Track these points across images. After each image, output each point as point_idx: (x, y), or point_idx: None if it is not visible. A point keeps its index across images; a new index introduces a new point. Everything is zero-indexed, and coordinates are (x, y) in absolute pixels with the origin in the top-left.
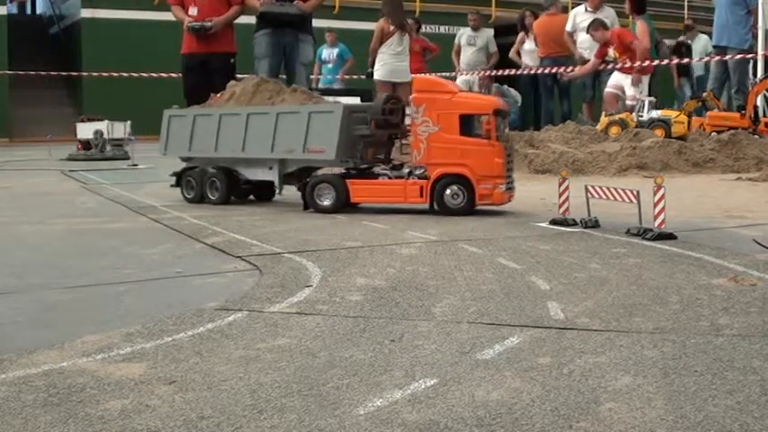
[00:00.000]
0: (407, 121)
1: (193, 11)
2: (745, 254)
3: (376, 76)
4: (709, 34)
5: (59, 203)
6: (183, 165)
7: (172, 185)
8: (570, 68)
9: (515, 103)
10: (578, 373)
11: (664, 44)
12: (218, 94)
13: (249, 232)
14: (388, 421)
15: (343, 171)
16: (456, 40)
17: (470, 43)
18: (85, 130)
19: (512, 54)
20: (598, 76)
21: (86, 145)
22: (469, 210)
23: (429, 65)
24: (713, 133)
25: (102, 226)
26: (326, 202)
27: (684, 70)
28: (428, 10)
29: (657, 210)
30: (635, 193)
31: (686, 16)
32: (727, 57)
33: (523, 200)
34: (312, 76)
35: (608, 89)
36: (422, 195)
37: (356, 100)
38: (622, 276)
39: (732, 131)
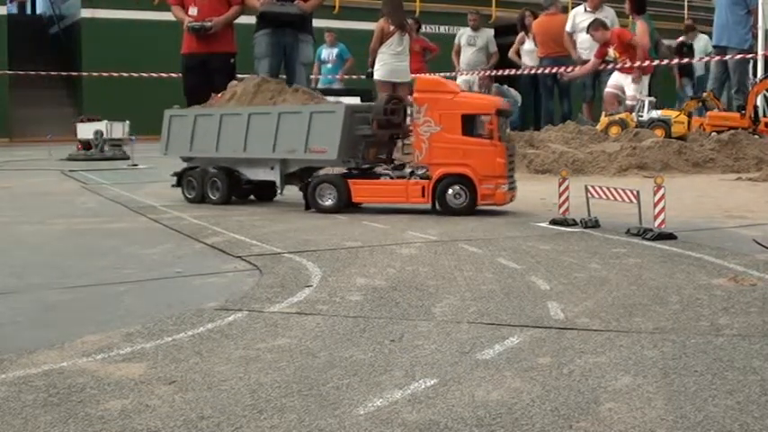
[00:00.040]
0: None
1: (193, 11)
2: (745, 254)
3: (376, 76)
4: (709, 34)
5: (59, 203)
6: (184, 165)
7: (173, 185)
8: (570, 68)
9: (515, 103)
10: (578, 373)
11: (663, 44)
12: (219, 94)
13: (249, 232)
14: (388, 421)
15: (345, 171)
16: (456, 40)
17: (470, 43)
18: (86, 131)
19: (511, 54)
20: (598, 76)
21: (86, 145)
22: (471, 210)
23: (429, 65)
24: (713, 133)
25: (102, 226)
26: (328, 203)
27: (686, 70)
28: (428, 10)
29: (657, 210)
30: (635, 193)
31: (686, 16)
32: (727, 57)
33: (523, 200)
34: (311, 77)
35: (608, 89)
36: (424, 195)
37: (356, 100)
38: (622, 276)
39: (732, 131)
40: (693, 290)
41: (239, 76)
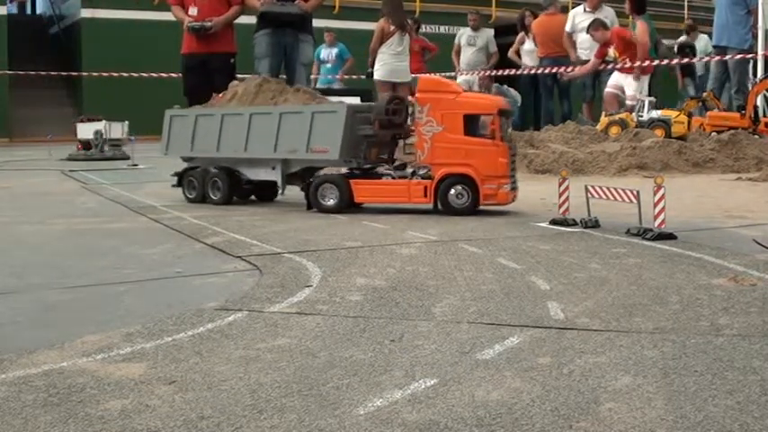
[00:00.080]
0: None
1: (193, 11)
2: (745, 254)
3: (376, 76)
4: (709, 34)
5: (59, 203)
6: (184, 165)
7: (173, 185)
8: (570, 68)
9: (515, 103)
10: (578, 373)
11: (663, 45)
12: (221, 94)
13: (249, 232)
14: (388, 421)
15: (347, 171)
16: (456, 40)
17: (470, 43)
18: (86, 131)
19: (510, 54)
20: (598, 76)
21: (86, 145)
22: (473, 210)
23: (428, 65)
24: (713, 133)
25: (102, 226)
26: (330, 203)
27: (688, 70)
28: (428, 10)
29: (657, 210)
30: (635, 193)
31: (686, 16)
32: (727, 57)
33: (523, 200)
34: (311, 76)
35: (608, 89)
36: (426, 195)
37: (356, 100)
38: (622, 276)
39: (732, 131)
40: (693, 290)
41: (239, 76)
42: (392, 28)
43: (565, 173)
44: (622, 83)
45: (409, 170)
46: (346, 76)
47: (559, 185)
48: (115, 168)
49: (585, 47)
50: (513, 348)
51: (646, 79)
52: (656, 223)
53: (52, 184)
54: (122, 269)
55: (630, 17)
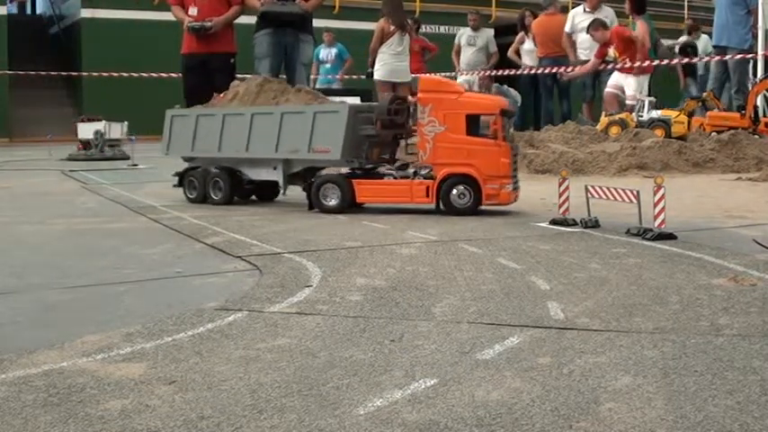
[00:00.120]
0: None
1: (193, 11)
2: (745, 254)
3: (376, 76)
4: (709, 34)
5: (59, 203)
6: (185, 165)
7: (174, 185)
8: (570, 68)
9: (515, 103)
10: (578, 373)
11: (662, 45)
12: (222, 94)
13: (249, 232)
14: (388, 421)
15: (349, 171)
16: (456, 40)
17: (470, 43)
18: (86, 131)
19: (510, 53)
20: (598, 76)
21: (86, 145)
22: (476, 210)
23: (428, 65)
24: (713, 133)
25: (102, 226)
26: (332, 203)
27: (690, 70)
28: (428, 10)
29: (657, 210)
30: (635, 193)
31: (686, 16)
32: (727, 57)
33: (523, 200)
34: (311, 77)
35: (608, 89)
36: (428, 195)
37: (356, 100)
38: (622, 276)
39: (732, 131)
40: (693, 290)
41: (239, 76)
42: (392, 28)
43: (565, 173)
44: (622, 83)
45: (411, 170)
46: (346, 77)
47: (559, 185)
48: (115, 168)
49: (585, 47)
50: (513, 348)
51: (646, 79)
52: (656, 223)
53: (52, 184)
54: (122, 269)
55: (630, 17)
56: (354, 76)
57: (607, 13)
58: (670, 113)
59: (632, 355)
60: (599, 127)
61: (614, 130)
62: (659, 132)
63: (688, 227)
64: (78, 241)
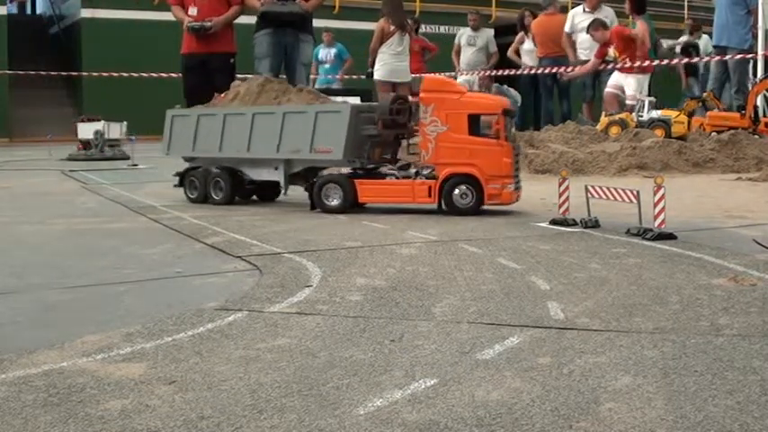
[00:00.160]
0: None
1: (193, 11)
2: (745, 254)
3: (376, 76)
4: (710, 34)
5: (59, 203)
6: (185, 165)
7: (175, 186)
8: (570, 68)
9: (515, 103)
10: (578, 373)
11: (662, 45)
12: (223, 94)
13: (249, 232)
14: (388, 421)
15: (350, 171)
16: (456, 40)
17: (470, 43)
18: (86, 131)
19: (510, 53)
20: (598, 76)
21: (86, 145)
22: (478, 210)
23: (428, 65)
24: (713, 133)
25: (102, 226)
26: (334, 203)
27: (692, 70)
28: (428, 10)
29: (657, 210)
30: (635, 193)
31: (686, 16)
32: (727, 57)
33: (523, 200)
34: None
35: (608, 89)
36: (430, 195)
37: (356, 100)
38: (622, 276)
39: (732, 131)
40: (693, 290)
41: (239, 76)
42: (392, 28)
43: (565, 173)
44: (622, 83)
45: (413, 170)
46: (346, 77)
47: (559, 185)
48: (115, 168)
49: (585, 47)
50: (513, 348)
51: (646, 79)
52: (656, 223)
53: (52, 184)
54: (122, 269)
55: (630, 17)
56: (354, 77)
57: (607, 13)
58: (670, 113)
59: (632, 355)
60: (599, 127)
61: (614, 130)
62: (659, 132)
63: (688, 227)
64: (78, 241)
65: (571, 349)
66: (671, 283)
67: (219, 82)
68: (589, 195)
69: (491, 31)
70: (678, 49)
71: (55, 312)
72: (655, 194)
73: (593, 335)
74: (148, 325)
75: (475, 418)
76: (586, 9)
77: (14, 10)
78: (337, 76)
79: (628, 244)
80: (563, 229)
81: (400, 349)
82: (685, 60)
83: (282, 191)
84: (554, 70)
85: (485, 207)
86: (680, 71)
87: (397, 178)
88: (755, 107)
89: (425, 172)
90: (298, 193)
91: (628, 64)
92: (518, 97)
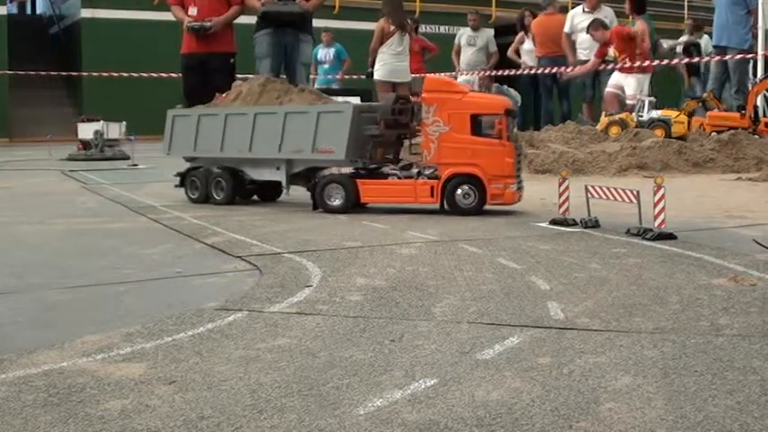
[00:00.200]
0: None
1: (193, 11)
2: (745, 254)
3: (376, 76)
4: (710, 34)
5: (59, 203)
6: (186, 164)
7: (176, 186)
8: (570, 68)
9: (515, 104)
10: (578, 373)
11: (661, 45)
12: (224, 94)
13: (249, 232)
14: (388, 421)
15: (352, 171)
16: (456, 40)
17: (470, 43)
18: (86, 131)
19: (510, 53)
20: (598, 76)
21: (86, 145)
22: (480, 210)
23: (428, 65)
24: (713, 133)
25: (102, 226)
26: (336, 203)
27: (695, 70)
28: (428, 10)
29: (657, 210)
30: (635, 193)
31: (686, 16)
32: (727, 57)
33: (524, 200)
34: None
35: (608, 89)
36: (432, 195)
37: (356, 100)
38: (622, 276)
39: (732, 131)
40: (693, 290)
41: (239, 76)
42: (392, 28)
43: (565, 173)
44: (622, 82)
45: (415, 170)
46: (346, 77)
47: (559, 185)
48: (115, 168)
49: (585, 47)
50: (513, 348)
51: (646, 79)
52: (656, 223)
53: (52, 184)
54: (122, 269)
55: (630, 17)
56: (355, 76)
57: (606, 13)
58: (670, 113)
59: (632, 355)
60: (599, 127)
61: (614, 130)
62: (659, 132)
63: (688, 227)
64: (78, 241)
65: (571, 349)
66: (671, 283)
67: (219, 82)
68: (589, 195)
69: (491, 31)
70: (680, 49)
71: (55, 312)
72: (655, 194)
73: (593, 335)
74: (148, 325)
75: (475, 418)
76: (586, 9)
77: (14, 10)
78: (337, 77)
79: (628, 244)
80: (563, 229)
81: (400, 349)
82: (686, 60)
83: (284, 191)
84: (554, 70)
85: (486, 207)
86: (682, 71)
87: (400, 178)
88: (755, 107)
89: (428, 172)
90: (298, 193)
91: (628, 64)
92: (518, 97)
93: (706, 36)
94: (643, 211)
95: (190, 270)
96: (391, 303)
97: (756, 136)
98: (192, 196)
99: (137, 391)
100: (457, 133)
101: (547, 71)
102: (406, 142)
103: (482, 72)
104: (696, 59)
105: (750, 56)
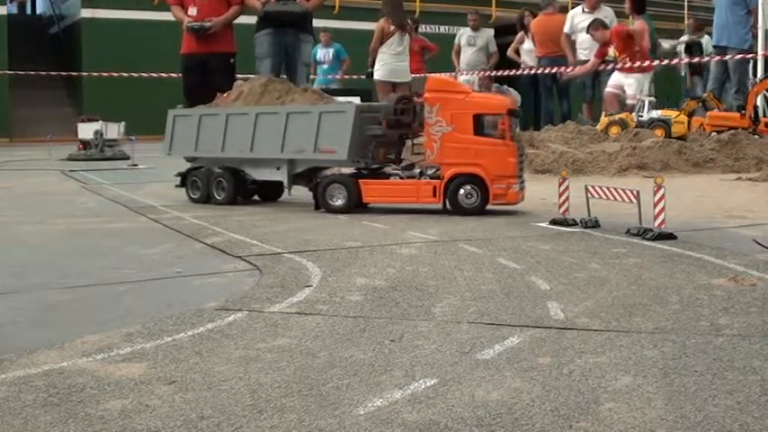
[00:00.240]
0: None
1: (193, 11)
2: (745, 254)
3: (376, 76)
4: (710, 34)
5: (59, 203)
6: (186, 165)
7: (177, 186)
8: (570, 68)
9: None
10: (578, 373)
11: (661, 45)
12: (225, 94)
13: (249, 232)
14: (388, 421)
15: (354, 171)
16: (456, 40)
17: (470, 43)
18: (86, 131)
19: (510, 53)
20: (598, 76)
21: (87, 145)
22: (483, 209)
23: (428, 65)
24: (713, 133)
25: (102, 226)
26: (338, 203)
27: (697, 69)
28: (428, 10)
29: (657, 210)
30: (635, 193)
31: (686, 16)
32: (727, 57)
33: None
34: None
35: (608, 89)
36: (435, 195)
37: (356, 100)
38: (622, 276)
39: (732, 131)
40: (693, 290)
41: (239, 76)
42: (392, 28)
43: (565, 173)
44: (623, 82)
45: (417, 170)
46: (346, 77)
47: (559, 185)
48: (115, 168)
49: (585, 47)
50: (513, 348)
51: (646, 79)
52: (656, 223)
53: (52, 184)
54: (122, 269)
55: (630, 17)
56: (354, 76)
57: (606, 13)
58: (670, 113)
59: (632, 355)
60: (599, 127)
61: (614, 130)
62: (659, 132)
63: (688, 227)
64: (78, 241)
65: (571, 349)
66: (671, 283)
67: (219, 82)
68: (589, 195)
69: (491, 31)
70: (681, 48)
71: (55, 312)
72: (655, 194)
73: (593, 335)
74: (148, 325)
75: (475, 418)
76: (585, 9)
77: (14, 10)
78: (337, 76)
79: (628, 244)
80: (563, 229)
81: (400, 349)
82: (686, 60)
83: (286, 191)
84: (554, 70)
85: (488, 207)
86: (685, 70)
87: (402, 178)
88: (755, 107)
89: (430, 172)
90: (299, 193)
91: (628, 64)
92: (518, 97)
93: (707, 36)
94: (643, 211)
95: (190, 270)
96: (391, 303)
97: (756, 136)
98: (194, 196)
99: (137, 391)
100: (460, 133)
101: (547, 71)
102: (408, 142)
103: (482, 72)
104: (697, 59)
105: (750, 56)
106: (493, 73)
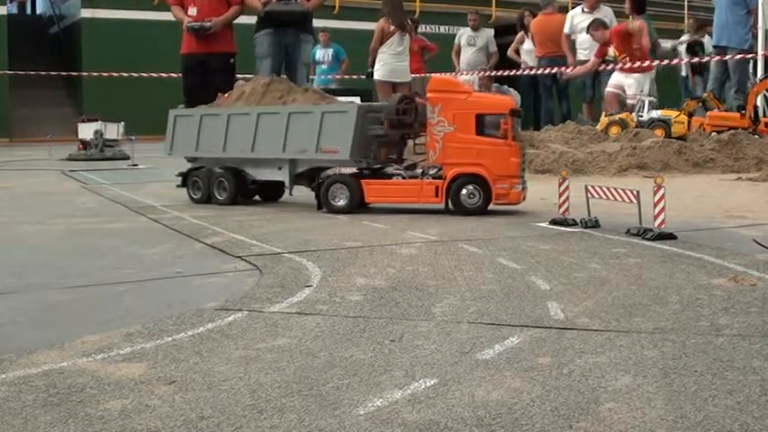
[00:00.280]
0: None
1: (193, 11)
2: (745, 254)
3: (376, 76)
4: (710, 34)
5: (59, 203)
6: (187, 165)
7: (177, 186)
8: (570, 68)
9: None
10: (578, 373)
11: (660, 45)
12: (226, 94)
13: (249, 232)
14: (388, 421)
15: (356, 171)
16: (456, 40)
17: (470, 43)
18: (86, 131)
19: (510, 53)
20: (598, 76)
21: (87, 145)
22: (485, 209)
23: (428, 65)
24: (713, 133)
25: (102, 226)
26: (341, 203)
27: (697, 69)
28: (428, 10)
29: (657, 210)
30: (635, 193)
31: (686, 16)
32: (727, 57)
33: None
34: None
35: (608, 89)
36: (437, 195)
37: (356, 100)
38: (622, 276)
39: (732, 131)
40: (693, 290)
41: (240, 76)
42: (392, 28)
43: (565, 173)
44: (623, 82)
45: (419, 170)
46: (346, 77)
47: (559, 185)
48: (115, 168)
49: (585, 47)
50: (513, 348)
51: (647, 78)
52: (656, 223)
53: (52, 184)
54: (122, 269)
55: (630, 17)
56: (354, 77)
57: (606, 13)
58: (670, 113)
59: (632, 355)
60: (599, 127)
61: (614, 130)
62: (659, 132)
63: (688, 227)
64: (78, 241)
65: (571, 349)
66: (671, 283)
67: (219, 82)
68: (589, 195)
69: (491, 31)
70: (682, 48)
71: (55, 312)
72: (655, 194)
73: (593, 335)
74: (148, 325)
75: (475, 418)
76: (585, 9)
77: (14, 10)
78: (337, 76)
79: (628, 244)
80: (563, 229)
81: (400, 349)
82: (686, 60)
83: (288, 191)
84: (554, 70)
85: (489, 207)
86: (687, 70)
87: (404, 178)
88: (755, 107)
89: (432, 172)
90: (299, 193)
91: (628, 64)
92: (518, 97)
93: (707, 36)
94: (643, 211)
95: (190, 270)
96: (391, 303)
97: (756, 136)
98: (195, 196)
99: (137, 391)
100: (462, 133)
101: (546, 71)
102: (410, 142)
103: (482, 72)
104: (697, 59)
105: (750, 56)
106: (493, 73)
